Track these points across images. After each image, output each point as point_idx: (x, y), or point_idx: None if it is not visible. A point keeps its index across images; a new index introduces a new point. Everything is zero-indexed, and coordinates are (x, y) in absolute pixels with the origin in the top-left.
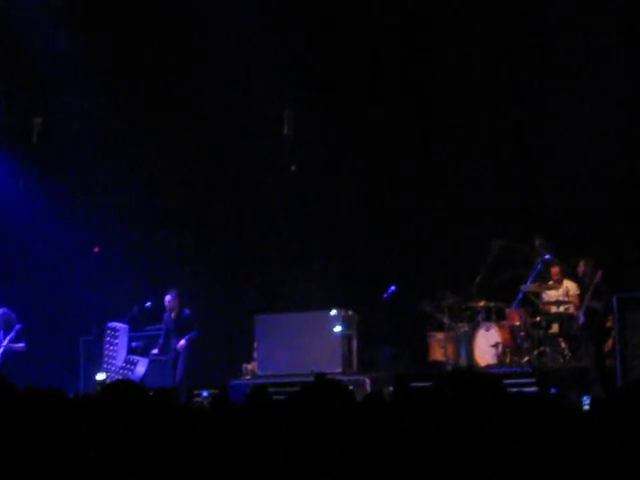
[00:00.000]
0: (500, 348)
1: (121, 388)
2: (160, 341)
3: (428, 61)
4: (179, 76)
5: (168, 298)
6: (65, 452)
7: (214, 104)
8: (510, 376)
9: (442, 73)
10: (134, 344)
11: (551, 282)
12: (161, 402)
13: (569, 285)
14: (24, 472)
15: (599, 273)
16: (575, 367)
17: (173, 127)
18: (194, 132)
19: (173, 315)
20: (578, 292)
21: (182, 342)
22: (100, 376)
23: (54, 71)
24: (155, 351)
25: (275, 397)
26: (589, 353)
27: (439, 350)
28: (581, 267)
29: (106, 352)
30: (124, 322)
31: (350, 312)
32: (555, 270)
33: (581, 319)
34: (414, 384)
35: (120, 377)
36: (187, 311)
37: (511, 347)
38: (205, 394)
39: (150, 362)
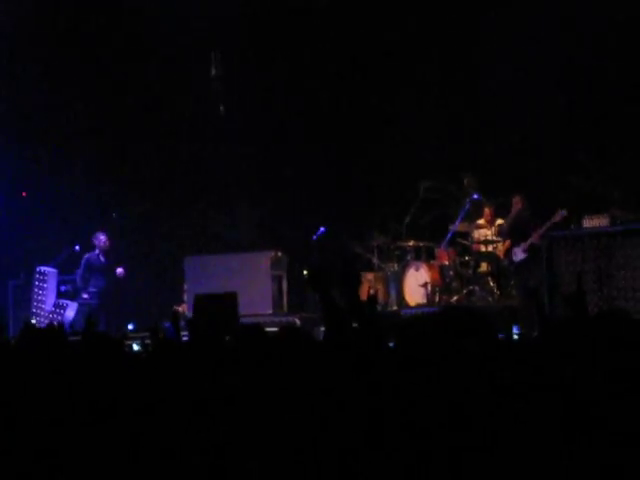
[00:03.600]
0: (429, 288)
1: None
2: (90, 283)
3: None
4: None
5: (103, 239)
6: None
7: (142, 45)
8: None
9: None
10: (63, 288)
11: (483, 221)
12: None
13: (501, 224)
14: None
15: (562, 212)
16: (503, 306)
17: (102, 72)
18: (125, 76)
19: (102, 256)
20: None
21: (120, 270)
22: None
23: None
24: (85, 295)
25: None
26: (525, 290)
27: (369, 290)
28: (518, 203)
29: (35, 296)
30: (53, 266)
31: (280, 253)
32: (487, 211)
33: (521, 255)
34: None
35: (49, 321)
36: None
37: (440, 286)
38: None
39: (79, 306)
